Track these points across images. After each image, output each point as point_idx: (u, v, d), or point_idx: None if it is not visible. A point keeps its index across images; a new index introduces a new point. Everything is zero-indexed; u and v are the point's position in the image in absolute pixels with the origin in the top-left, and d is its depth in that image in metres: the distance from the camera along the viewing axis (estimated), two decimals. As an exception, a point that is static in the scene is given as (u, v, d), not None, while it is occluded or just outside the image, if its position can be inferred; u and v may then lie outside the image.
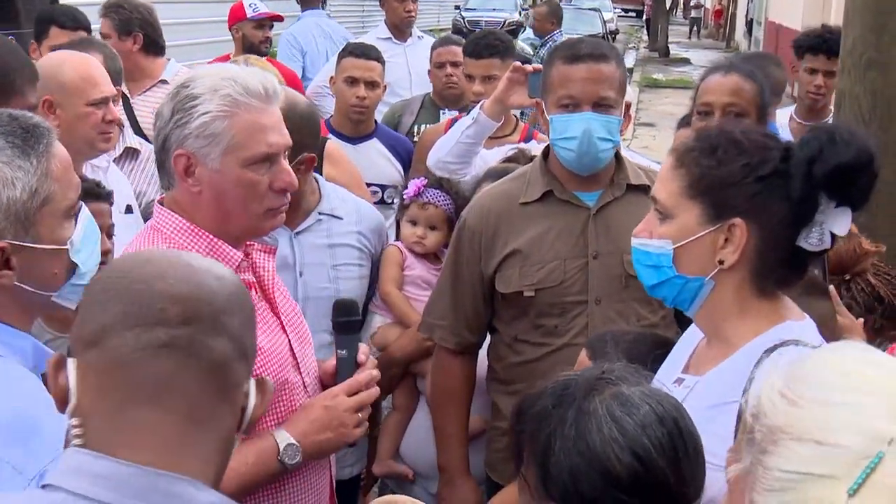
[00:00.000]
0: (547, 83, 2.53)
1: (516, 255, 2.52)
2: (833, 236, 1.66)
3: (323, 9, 6.53)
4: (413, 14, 5.48)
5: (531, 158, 2.89)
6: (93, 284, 1.22)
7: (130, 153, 3.39)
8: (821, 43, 3.98)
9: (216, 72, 1.95)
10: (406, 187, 3.16)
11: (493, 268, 2.55)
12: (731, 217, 1.65)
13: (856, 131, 1.66)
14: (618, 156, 2.58)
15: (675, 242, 1.69)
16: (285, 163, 1.95)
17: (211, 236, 1.93)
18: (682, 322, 2.21)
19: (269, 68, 3.53)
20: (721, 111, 2.83)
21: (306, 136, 2.49)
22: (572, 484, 1.31)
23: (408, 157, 4.01)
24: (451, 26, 24.91)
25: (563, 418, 1.35)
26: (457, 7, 28.04)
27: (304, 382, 2.02)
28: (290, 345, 2.00)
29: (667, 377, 1.74)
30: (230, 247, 1.93)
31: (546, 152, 2.61)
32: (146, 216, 3.08)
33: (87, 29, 4.03)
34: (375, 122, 4.09)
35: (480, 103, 3.23)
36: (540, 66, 2.97)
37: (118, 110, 3.38)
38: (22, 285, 1.54)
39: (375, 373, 2.06)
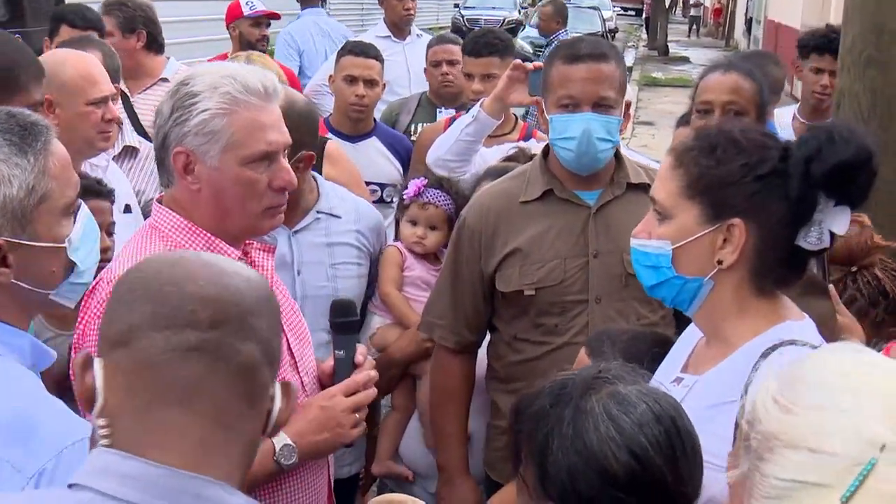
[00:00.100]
0: (547, 82, 2.52)
1: (516, 254, 2.52)
2: (832, 235, 1.66)
3: (323, 7, 6.52)
4: (412, 12, 5.48)
5: (531, 157, 2.88)
6: (120, 284, 1.21)
7: (129, 151, 3.39)
8: (826, 43, 3.97)
9: (216, 70, 1.94)
10: (405, 186, 3.16)
11: (493, 267, 2.54)
12: (730, 217, 1.64)
13: (854, 129, 1.65)
14: (618, 154, 2.58)
15: (674, 243, 1.69)
16: (285, 161, 1.94)
17: (209, 235, 1.92)
18: (682, 321, 2.21)
19: (270, 65, 3.53)
20: (721, 110, 2.83)
21: (305, 135, 2.49)
22: (570, 483, 1.32)
23: (407, 156, 4.00)
24: (450, 24, 24.92)
25: (560, 417, 1.35)
26: (456, 5, 28.04)
27: (302, 382, 2.02)
28: (289, 344, 2.00)
29: (665, 376, 1.74)
30: (228, 245, 1.93)
31: (546, 151, 2.61)
32: (145, 214, 3.08)
33: (98, 28, 4.02)
34: (374, 120, 4.09)
35: (480, 101, 3.23)
36: (540, 63, 2.96)
37: (118, 108, 3.38)
38: (19, 283, 1.54)
39: (373, 373, 2.05)
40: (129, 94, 4.10)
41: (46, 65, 2.61)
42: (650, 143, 11.66)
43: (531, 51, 9.14)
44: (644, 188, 2.47)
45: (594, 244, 2.50)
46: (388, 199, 3.98)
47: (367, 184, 3.67)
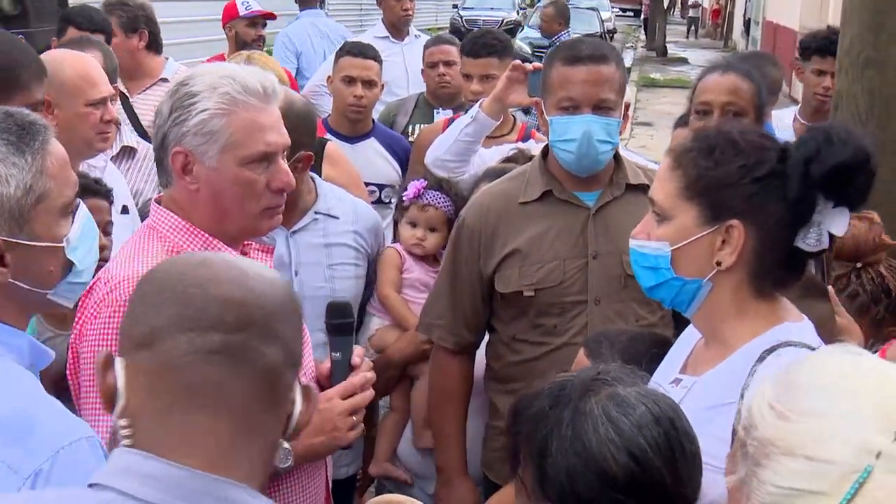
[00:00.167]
0: (547, 84, 2.52)
1: (516, 255, 2.52)
2: (831, 236, 1.66)
3: (321, 8, 6.52)
4: (410, 13, 5.47)
5: (530, 158, 2.88)
6: (143, 284, 1.20)
7: (127, 152, 3.38)
8: (828, 44, 3.97)
9: (215, 70, 1.94)
10: (404, 187, 3.15)
11: (493, 267, 2.54)
12: (729, 218, 1.64)
13: (853, 131, 1.65)
14: (617, 155, 2.58)
15: (673, 244, 1.69)
16: (283, 162, 1.94)
17: (207, 235, 1.92)
18: (680, 322, 2.21)
19: (272, 65, 3.52)
20: (720, 110, 2.83)
21: (303, 135, 2.49)
22: (569, 484, 1.31)
23: (405, 157, 4.00)
24: (448, 25, 24.92)
25: (559, 419, 1.34)
26: (455, 6, 28.05)
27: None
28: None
29: (664, 377, 1.74)
30: (227, 246, 1.93)
31: (545, 152, 2.61)
32: (144, 215, 3.08)
33: (106, 30, 4.02)
34: (373, 121, 4.09)
35: (479, 102, 3.23)
36: (539, 64, 2.96)
37: (117, 108, 3.37)
38: (17, 283, 1.53)
39: (370, 375, 2.05)
40: (128, 94, 4.10)
41: (45, 65, 2.60)
42: (649, 143, 11.67)
43: (530, 51, 9.15)
44: (643, 189, 2.47)
45: (593, 245, 2.50)
46: (387, 200, 3.98)
47: (366, 185, 3.67)
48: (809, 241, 1.65)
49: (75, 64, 2.82)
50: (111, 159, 3.24)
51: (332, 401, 1.98)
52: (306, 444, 1.93)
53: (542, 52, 12.18)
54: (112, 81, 3.07)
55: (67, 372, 1.91)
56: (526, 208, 2.54)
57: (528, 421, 1.38)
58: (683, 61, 23.77)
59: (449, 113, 4.21)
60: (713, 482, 1.36)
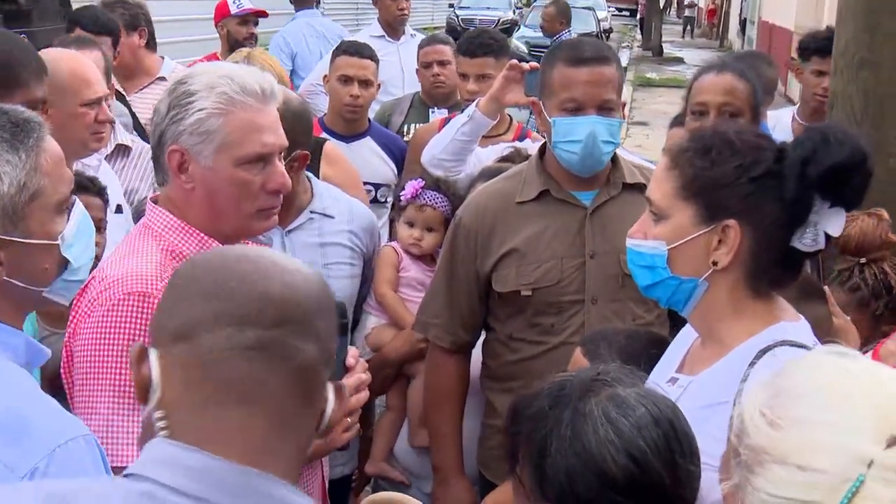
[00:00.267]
0: (548, 85, 2.52)
1: (513, 255, 2.52)
2: (828, 236, 1.66)
3: (317, 7, 6.51)
4: (406, 12, 5.46)
5: (526, 157, 2.89)
6: (180, 277, 1.19)
7: (122, 150, 3.38)
8: (828, 45, 3.97)
9: (214, 69, 1.94)
10: (401, 187, 3.15)
11: (490, 267, 2.54)
12: (725, 218, 1.65)
13: (849, 131, 1.66)
14: (613, 155, 2.58)
15: (670, 243, 1.69)
16: (279, 164, 1.94)
17: (202, 234, 1.92)
18: (676, 321, 2.22)
19: (270, 63, 3.50)
20: (716, 111, 2.83)
21: (299, 134, 2.49)
22: (568, 485, 1.31)
23: (401, 156, 4.00)
24: (444, 24, 24.91)
25: (559, 419, 1.34)
26: (451, 5, 28.04)
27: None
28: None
29: (661, 376, 1.74)
30: (222, 246, 1.92)
31: (542, 151, 2.61)
32: (139, 213, 3.07)
33: (112, 32, 4.01)
34: (369, 120, 4.08)
35: (476, 101, 3.23)
36: (536, 64, 2.97)
37: (115, 105, 3.36)
38: (12, 281, 1.53)
39: (364, 376, 2.04)
40: (125, 93, 4.09)
41: None
42: (644, 143, 11.67)
43: (526, 51, 9.15)
44: (639, 188, 2.48)
45: (591, 244, 2.50)
46: (383, 200, 3.98)
47: (363, 184, 3.67)
48: (806, 241, 1.65)
49: (70, 63, 2.82)
50: (105, 158, 3.23)
51: None
52: None
53: (539, 52, 12.20)
54: (106, 81, 3.07)
55: (61, 370, 1.90)
56: (523, 208, 2.54)
57: (528, 421, 1.38)
58: (679, 61, 23.79)
59: (444, 112, 4.20)
60: (713, 482, 1.36)
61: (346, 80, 3.88)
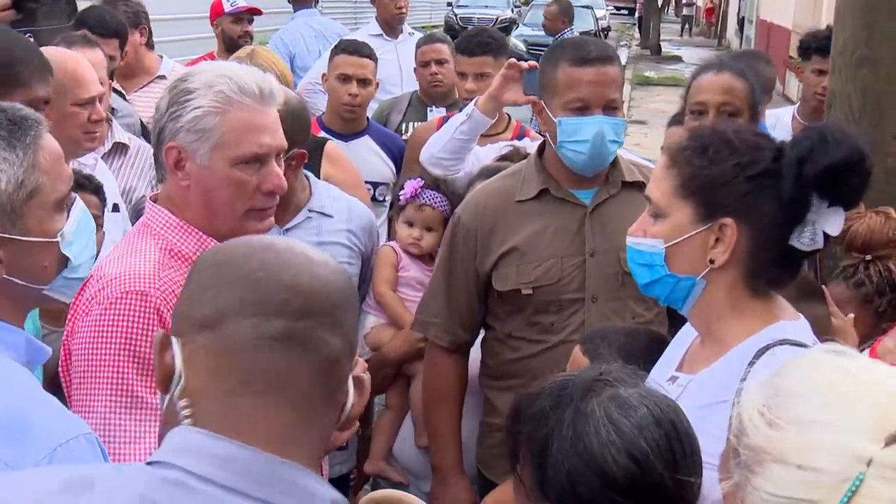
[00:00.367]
0: (551, 84, 2.51)
1: (513, 253, 2.52)
2: (826, 236, 1.66)
3: (315, 7, 6.49)
4: (404, 10, 5.46)
5: (525, 156, 2.89)
6: (205, 265, 1.18)
7: (119, 149, 3.37)
8: (829, 44, 3.97)
9: (215, 68, 1.95)
10: (400, 186, 3.15)
11: (490, 265, 2.54)
12: (722, 217, 1.65)
13: (848, 131, 1.66)
14: (613, 153, 2.59)
15: (667, 241, 1.69)
16: (275, 165, 1.93)
17: (200, 233, 1.92)
18: (674, 319, 2.22)
19: (273, 62, 3.49)
20: (715, 110, 2.83)
21: (297, 133, 2.49)
22: (569, 485, 1.32)
23: (400, 155, 4.00)
24: (443, 23, 24.90)
25: (560, 419, 1.34)
26: (449, 4, 28.02)
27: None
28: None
29: (661, 375, 1.75)
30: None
31: (541, 149, 2.61)
32: (137, 211, 3.07)
33: (119, 35, 4.01)
34: (367, 119, 4.08)
35: (475, 100, 3.23)
36: (535, 63, 2.97)
37: (123, 105, 3.35)
38: (11, 279, 1.53)
39: (364, 376, 2.04)
40: (124, 92, 4.09)
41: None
42: (643, 141, 11.67)
43: (525, 49, 9.15)
44: (638, 186, 2.48)
45: (591, 243, 2.51)
46: (381, 198, 3.97)
47: (361, 183, 3.66)
48: (804, 240, 1.65)
49: (63, 63, 2.81)
50: (103, 156, 3.23)
51: None
52: None
53: (537, 50, 12.19)
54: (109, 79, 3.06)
55: (60, 369, 1.90)
56: (523, 206, 2.54)
57: (529, 420, 1.38)
58: (677, 59, 23.79)
59: (443, 111, 4.20)
60: (713, 481, 1.36)
61: (345, 78, 3.88)
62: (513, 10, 27.75)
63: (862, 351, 2.10)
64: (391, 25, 5.40)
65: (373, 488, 3.16)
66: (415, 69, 4.50)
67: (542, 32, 9.88)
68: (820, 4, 14.19)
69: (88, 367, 1.80)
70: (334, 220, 2.77)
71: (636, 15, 35.68)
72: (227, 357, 1.10)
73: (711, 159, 1.66)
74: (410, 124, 4.37)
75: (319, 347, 1.12)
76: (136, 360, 1.78)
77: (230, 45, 5.04)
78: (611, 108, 2.47)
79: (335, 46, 4.12)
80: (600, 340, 1.98)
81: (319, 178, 2.96)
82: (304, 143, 2.60)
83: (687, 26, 35.38)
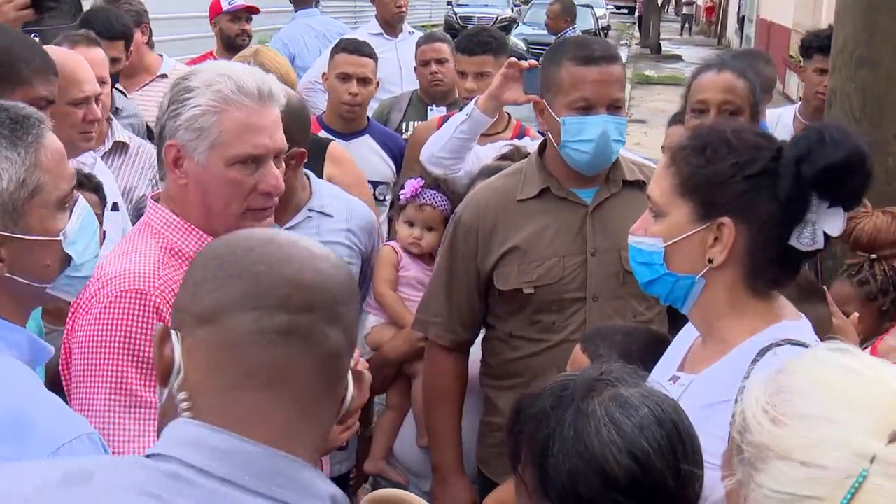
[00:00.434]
0: (555, 83, 2.51)
1: (515, 252, 2.52)
2: (827, 236, 1.66)
3: (316, 7, 6.49)
4: (404, 9, 5.45)
5: (525, 155, 2.88)
6: (206, 258, 1.17)
7: (120, 147, 3.37)
8: (830, 44, 3.98)
9: (216, 67, 1.95)
10: (400, 185, 3.15)
11: (491, 264, 2.54)
12: (720, 216, 1.65)
13: (848, 131, 1.65)
14: (613, 152, 2.59)
15: (666, 240, 1.69)
16: (273, 166, 1.93)
17: (201, 232, 1.92)
18: (676, 319, 2.22)
19: (277, 62, 3.49)
20: (716, 109, 2.83)
21: (297, 132, 2.48)
22: (570, 485, 1.31)
23: (400, 154, 3.99)
24: (443, 22, 24.89)
25: (561, 419, 1.34)
26: (449, 3, 28.01)
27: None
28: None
29: (662, 375, 1.75)
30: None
31: (541, 148, 2.61)
32: (138, 211, 3.07)
33: (125, 37, 4.00)
34: (368, 118, 4.08)
35: (475, 99, 3.23)
36: (535, 62, 2.97)
37: (127, 104, 3.34)
38: (14, 277, 1.53)
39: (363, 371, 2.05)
40: (125, 91, 4.09)
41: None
42: (643, 140, 11.66)
43: (525, 48, 9.15)
44: (639, 185, 2.49)
45: (592, 242, 2.51)
46: (381, 198, 3.97)
47: (362, 182, 3.66)
48: (804, 240, 1.65)
49: (59, 62, 2.81)
50: (103, 155, 3.23)
51: None
52: None
53: (538, 49, 12.18)
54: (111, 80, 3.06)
55: (60, 367, 1.91)
56: (524, 205, 2.54)
57: (530, 420, 1.38)
58: (678, 58, 23.79)
59: (443, 110, 4.20)
60: (717, 481, 1.37)
61: (345, 77, 3.88)
62: (513, 9, 27.74)
63: (863, 349, 2.10)
64: (391, 24, 5.40)
65: (373, 488, 3.16)
66: (415, 68, 4.49)
67: (543, 31, 9.90)
68: (820, 4, 14.19)
69: (88, 365, 1.81)
70: (334, 220, 2.77)
71: (636, 14, 35.67)
72: (227, 351, 1.10)
73: (709, 158, 1.66)
74: (411, 123, 4.37)
75: (321, 342, 1.12)
76: (135, 358, 1.79)
77: (228, 44, 5.04)
78: (615, 107, 2.47)
79: (335, 45, 4.12)
80: (600, 340, 1.98)
81: (322, 179, 2.96)
82: (303, 142, 2.60)
83: (687, 25, 35.38)
